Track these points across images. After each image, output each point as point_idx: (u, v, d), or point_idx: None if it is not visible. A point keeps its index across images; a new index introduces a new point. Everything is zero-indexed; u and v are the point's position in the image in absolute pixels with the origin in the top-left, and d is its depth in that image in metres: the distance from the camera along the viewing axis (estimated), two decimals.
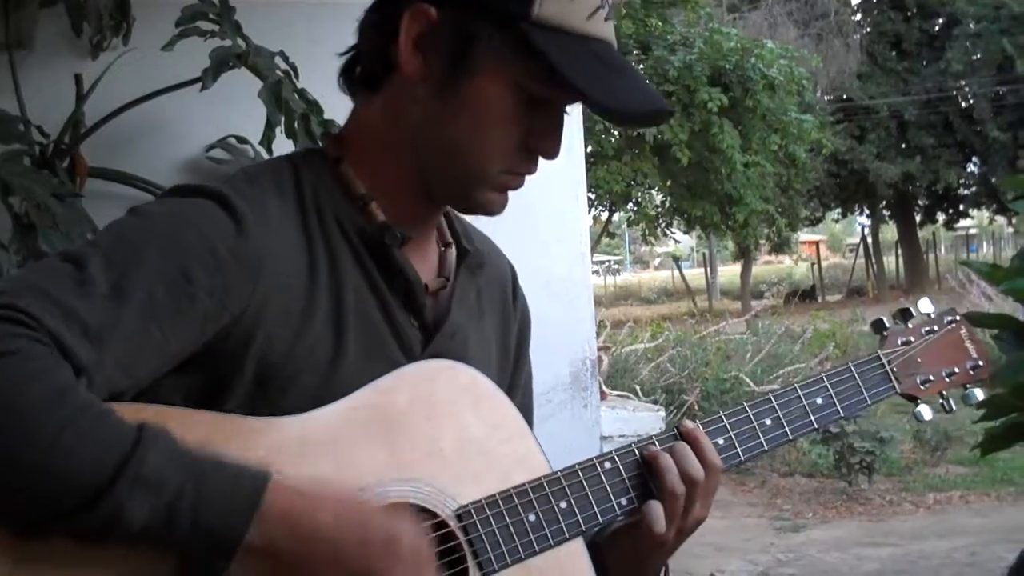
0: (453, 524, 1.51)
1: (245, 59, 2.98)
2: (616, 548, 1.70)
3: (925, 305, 1.97)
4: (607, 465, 1.64)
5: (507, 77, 1.51)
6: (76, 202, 2.94)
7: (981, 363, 1.96)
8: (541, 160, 1.61)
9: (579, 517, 1.59)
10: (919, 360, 1.91)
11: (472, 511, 1.52)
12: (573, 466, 1.62)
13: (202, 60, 2.91)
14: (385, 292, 1.58)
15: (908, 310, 1.96)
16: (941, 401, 1.95)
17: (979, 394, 1.95)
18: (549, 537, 1.56)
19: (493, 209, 1.62)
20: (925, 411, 1.92)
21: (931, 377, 1.92)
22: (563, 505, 1.59)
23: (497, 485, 1.56)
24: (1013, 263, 3.10)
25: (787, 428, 1.76)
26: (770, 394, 1.78)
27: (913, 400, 1.91)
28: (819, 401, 1.80)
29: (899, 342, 1.92)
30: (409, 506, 1.49)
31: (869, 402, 1.86)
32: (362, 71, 1.63)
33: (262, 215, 1.48)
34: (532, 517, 1.56)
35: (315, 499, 1.34)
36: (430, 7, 1.52)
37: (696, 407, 10.98)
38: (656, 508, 1.62)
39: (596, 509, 1.61)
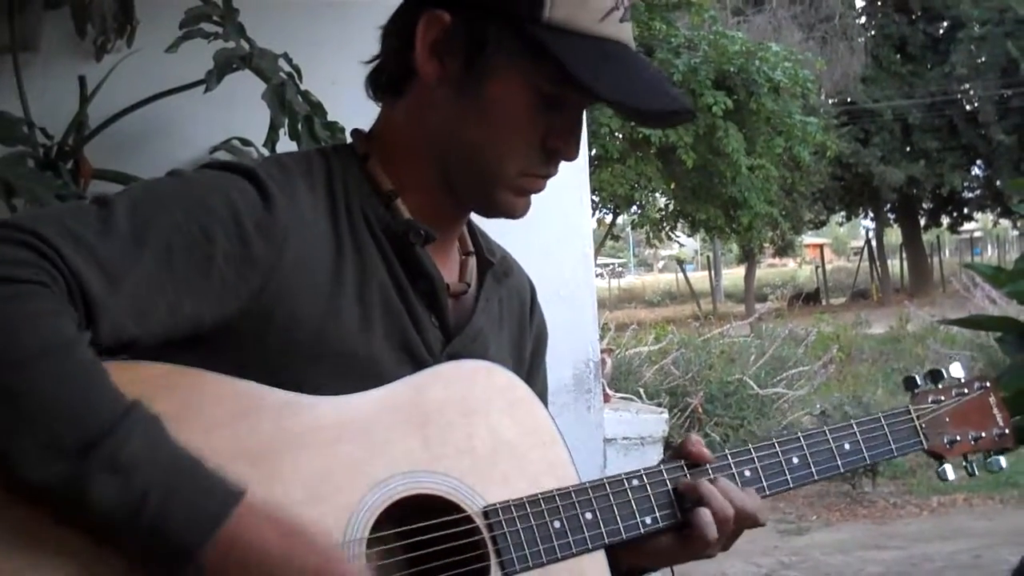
0: (479, 521, 1.52)
1: (249, 61, 2.98)
2: (635, 557, 1.72)
3: (956, 370, 2.02)
4: (635, 483, 1.66)
5: (521, 79, 1.53)
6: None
7: (1007, 431, 2.01)
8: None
9: (603, 530, 1.61)
10: (947, 420, 1.96)
11: (499, 510, 1.53)
12: (600, 480, 1.64)
13: (206, 62, 2.91)
14: (408, 289, 1.59)
15: (940, 371, 2.00)
16: (964, 464, 1.98)
17: (1003, 462, 2.00)
18: (572, 546, 1.57)
19: (515, 212, 1.63)
20: (950, 471, 1.97)
21: (958, 438, 1.96)
22: (588, 516, 1.60)
23: (525, 488, 1.57)
24: (1017, 265, 3.10)
25: (813, 469, 1.80)
26: (799, 433, 1.82)
27: (939, 459, 1.96)
28: (847, 447, 1.84)
29: (929, 400, 1.96)
30: (438, 499, 1.50)
31: (896, 454, 1.91)
32: (386, 77, 1.64)
33: (291, 197, 1.50)
34: (557, 524, 1.57)
35: (274, 527, 1.31)
36: (444, 12, 1.54)
37: (700, 410, 10.95)
38: (706, 517, 1.65)
39: (620, 525, 1.62)
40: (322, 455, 1.43)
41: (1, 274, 1.25)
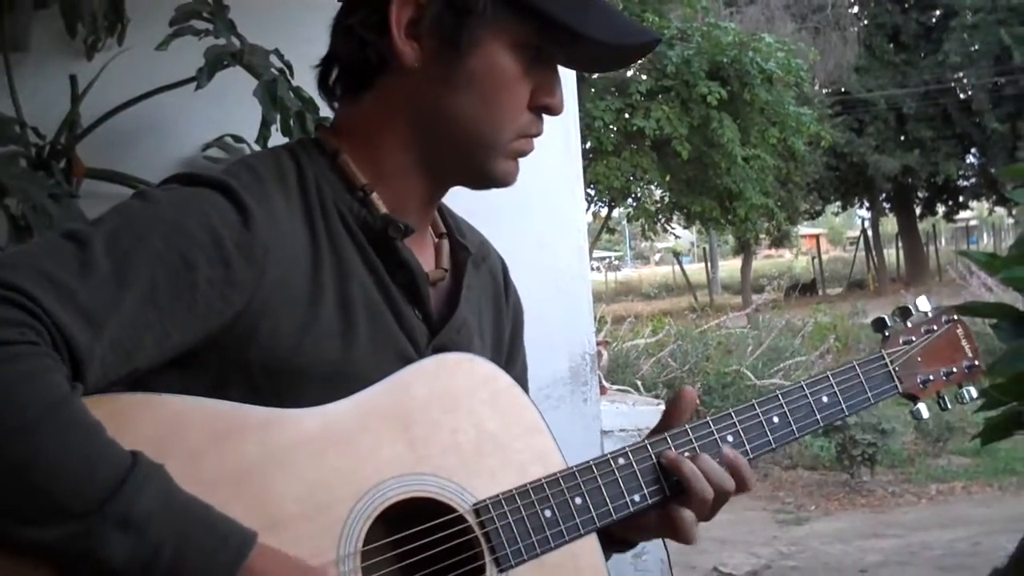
0: (471, 519, 1.51)
1: (240, 58, 2.97)
2: (632, 531, 1.72)
3: (923, 304, 2.00)
4: (620, 461, 1.65)
5: (506, 41, 1.55)
6: (72, 203, 2.94)
7: (976, 362, 2.01)
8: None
9: (593, 514, 1.60)
10: (919, 359, 1.95)
11: (489, 506, 1.53)
12: (587, 462, 1.63)
13: (197, 59, 2.91)
14: (389, 284, 1.58)
15: (908, 308, 1.99)
16: (938, 400, 1.98)
17: (973, 392, 2.00)
18: (564, 533, 1.57)
19: (509, 179, 1.64)
20: (923, 410, 1.96)
21: (931, 377, 1.96)
22: (578, 501, 1.59)
23: (513, 480, 1.56)
24: (1011, 252, 3.10)
25: (794, 426, 1.79)
26: (777, 392, 1.80)
27: (913, 399, 1.95)
28: (824, 399, 1.82)
29: (900, 341, 1.95)
30: (428, 500, 1.49)
31: (872, 401, 1.89)
32: (345, 74, 1.63)
33: (268, 208, 1.47)
34: (548, 513, 1.56)
35: (287, 570, 1.32)
36: None
37: (698, 401, 10.97)
38: (688, 517, 1.66)
39: (610, 506, 1.62)
40: (309, 469, 1.42)
41: None
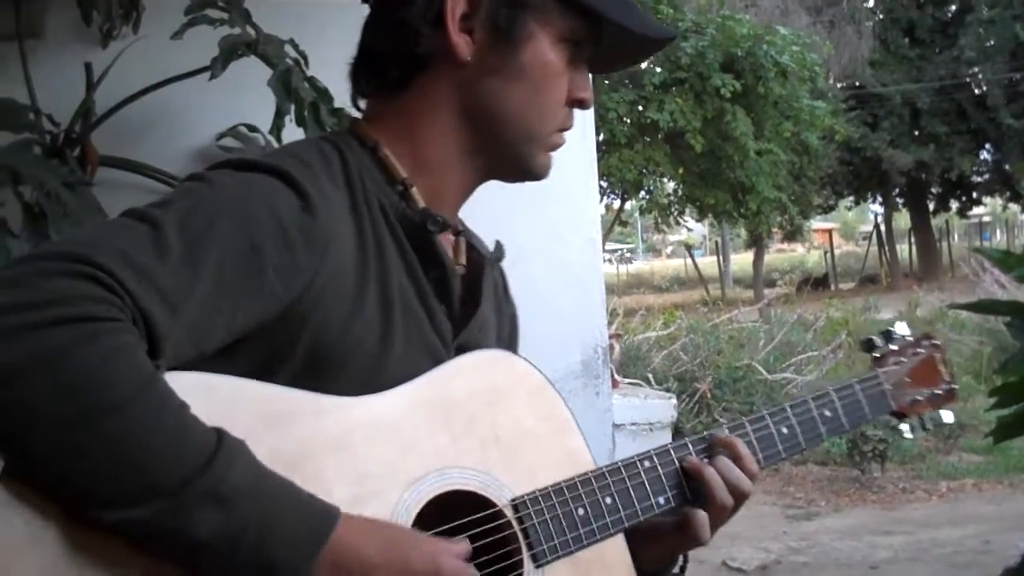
0: (509, 514, 1.54)
1: (254, 47, 2.98)
2: (647, 540, 1.74)
3: (902, 328, 2.12)
4: (646, 464, 1.69)
5: (553, 34, 1.59)
6: (86, 191, 2.94)
7: (954, 386, 2.12)
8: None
9: (622, 513, 1.64)
10: (907, 380, 2.05)
11: (527, 502, 1.55)
12: (616, 463, 1.67)
13: (211, 49, 2.91)
14: (423, 279, 1.60)
15: (890, 331, 2.10)
16: (920, 420, 2.07)
17: (948, 416, 2.10)
18: (596, 532, 1.61)
19: (546, 172, 1.68)
20: (906, 429, 2.07)
21: (918, 397, 2.05)
22: (608, 501, 1.63)
23: (548, 477, 1.59)
24: None
25: (800, 438, 1.85)
26: (786, 405, 1.87)
27: (900, 418, 2.05)
28: (827, 414, 1.90)
29: (891, 362, 2.05)
30: (468, 493, 1.51)
31: (869, 417, 1.98)
32: (391, 67, 1.63)
33: (324, 196, 1.48)
34: (581, 511, 1.60)
35: (371, 538, 1.35)
36: None
37: (709, 395, 10.96)
38: (702, 518, 1.70)
39: (637, 506, 1.66)
40: (358, 457, 1.44)
41: (77, 313, 1.22)
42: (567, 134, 1.69)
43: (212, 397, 1.36)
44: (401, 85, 1.62)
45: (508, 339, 1.86)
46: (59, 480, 1.21)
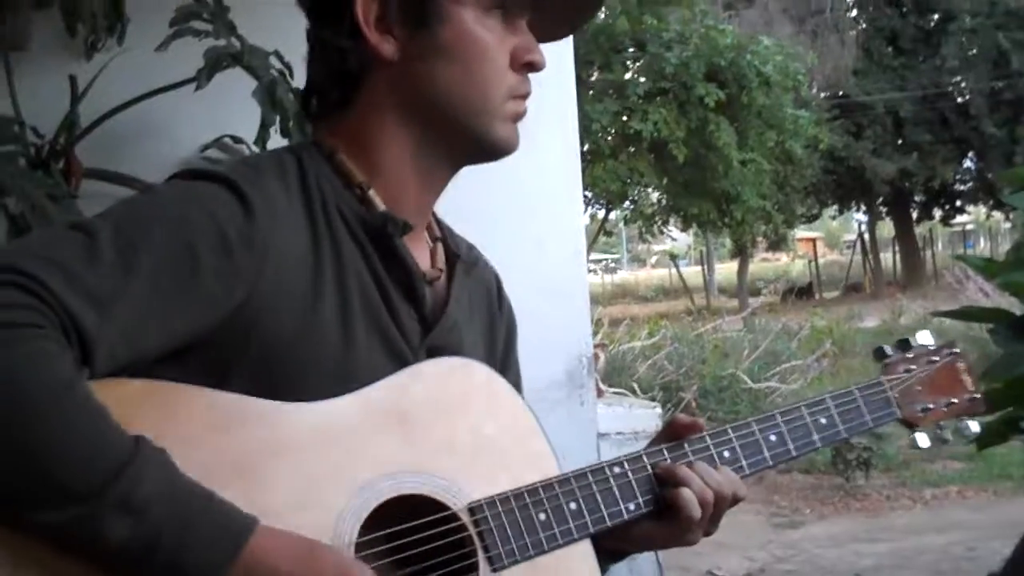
0: (465, 518, 1.52)
1: (239, 59, 2.98)
2: (619, 541, 1.72)
3: (924, 337, 2.04)
4: (616, 470, 1.67)
5: (471, 8, 1.59)
6: (71, 203, 2.95)
7: (978, 396, 2.02)
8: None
9: (588, 519, 1.62)
10: (919, 389, 1.96)
11: (484, 506, 1.54)
12: (583, 469, 1.65)
13: (196, 60, 2.91)
14: (387, 282, 1.59)
15: (908, 340, 2.02)
16: (938, 431, 1.99)
17: (975, 427, 2.01)
18: (558, 536, 1.58)
19: (512, 144, 1.65)
20: (922, 439, 1.97)
21: (931, 406, 1.97)
22: (572, 506, 1.61)
23: (508, 483, 1.58)
24: (1008, 257, 3.11)
25: (791, 445, 1.81)
26: (776, 412, 1.83)
27: (911, 427, 1.96)
28: (823, 421, 1.84)
29: (900, 369, 1.97)
30: (422, 498, 1.50)
31: (871, 425, 1.91)
32: (332, 89, 1.64)
33: (269, 202, 1.48)
34: (542, 516, 1.58)
35: (286, 551, 1.34)
36: None
37: (694, 404, 10.98)
38: (685, 525, 1.67)
39: (604, 512, 1.64)
40: (305, 462, 1.43)
41: None
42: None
43: (159, 402, 1.37)
44: (343, 104, 1.63)
45: (505, 345, 1.85)
46: None
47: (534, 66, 1.65)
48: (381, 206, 1.60)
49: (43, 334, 1.25)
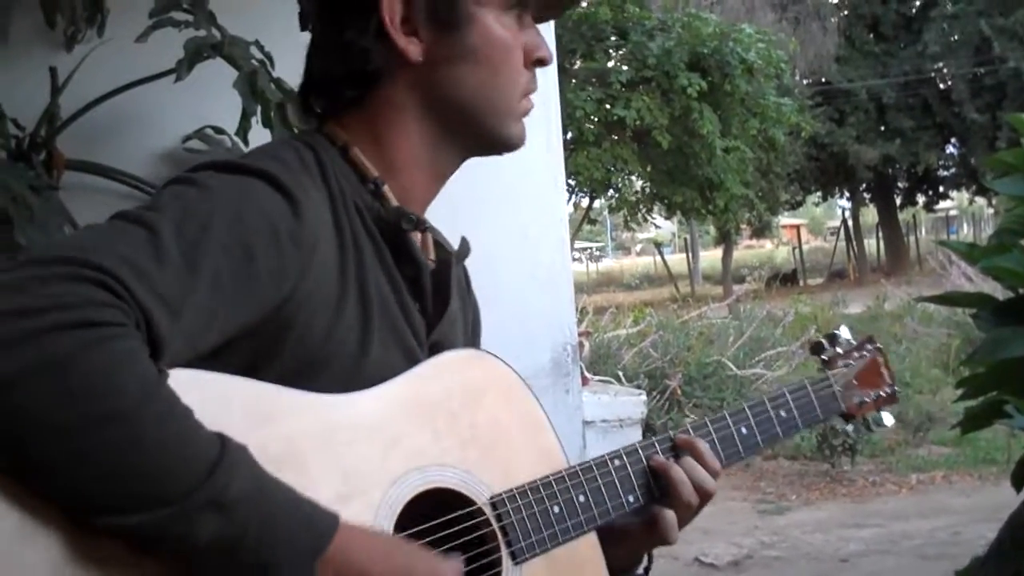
0: (488, 512, 1.55)
1: (220, 49, 2.97)
2: (615, 540, 1.75)
3: (845, 332, 2.17)
4: (616, 463, 1.72)
5: (493, 8, 1.60)
6: (53, 195, 2.93)
7: (895, 387, 2.18)
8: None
9: (595, 511, 1.66)
10: (855, 382, 2.10)
11: (505, 500, 1.57)
12: (588, 462, 1.69)
13: (177, 51, 2.90)
14: (398, 278, 1.60)
15: (835, 334, 2.16)
16: (863, 421, 2.13)
17: (889, 419, 2.15)
18: (571, 529, 1.63)
19: (522, 140, 1.69)
20: (851, 430, 2.23)
21: (865, 399, 2.11)
22: (581, 498, 1.65)
23: (524, 476, 1.61)
24: (990, 242, 3.11)
25: (759, 437, 1.90)
26: (745, 405, 1.92)
27: (846, 419, 2.11)
28: (783, 414, 1.95)
29: (839, 364, 2.11)
30: (446, 491, 1.52)
31: (821, 418, 2.04)
32: (347, 88, 1.63)
33: (309, 198, 1.48)
34: (556, 509, 1.62)
35: (371, 548, 1.36)
36: None
37: (679, 392, 10.99)
38: (670, 518, 1.73)
39: (608, 504, 1.68)
40: (342, 455, 1.44)
41: (79, 318, 1.19)
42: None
43: (204, 394, 1.35)
44: (357, 101, 1.63)
45: (472, 334, 1.87)
46: (59, 486, 1.20)
47: (543, 62, 1.68)
48: (394, 201, 1.61)
49: (127, 332, 1.23)
